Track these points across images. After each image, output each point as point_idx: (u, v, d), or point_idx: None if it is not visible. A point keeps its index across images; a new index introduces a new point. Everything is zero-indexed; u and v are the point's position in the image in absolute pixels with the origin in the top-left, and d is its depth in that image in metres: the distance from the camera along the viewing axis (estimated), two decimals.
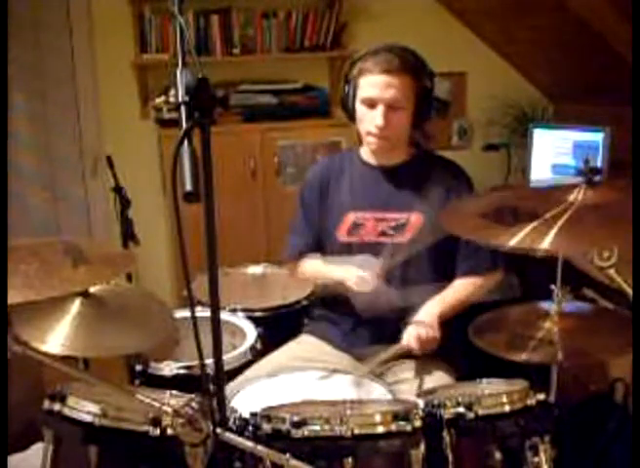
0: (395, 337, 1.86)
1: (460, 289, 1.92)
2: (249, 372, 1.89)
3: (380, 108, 1.84)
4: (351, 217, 1.96)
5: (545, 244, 1.30)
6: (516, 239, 1.33)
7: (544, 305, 1.71)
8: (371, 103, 1.86)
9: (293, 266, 2.12)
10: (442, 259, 1.94)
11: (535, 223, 1.35)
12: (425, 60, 1.88)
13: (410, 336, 1.81)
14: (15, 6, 3.26)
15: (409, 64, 1.83)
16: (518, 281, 1.76)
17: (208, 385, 1.21)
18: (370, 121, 1.87)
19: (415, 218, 1.91)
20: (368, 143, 1.94)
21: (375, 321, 1.90)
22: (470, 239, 1.86)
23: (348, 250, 1.95)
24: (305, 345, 2.02)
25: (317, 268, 2.03)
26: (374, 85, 1.84)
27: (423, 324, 1.82)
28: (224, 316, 2.14)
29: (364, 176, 2.00)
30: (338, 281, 1.90)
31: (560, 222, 1.35)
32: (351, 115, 1.94)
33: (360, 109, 1.89)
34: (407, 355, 1.85)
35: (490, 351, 1.59)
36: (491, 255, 1.92)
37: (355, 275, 1.84)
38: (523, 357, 1.56)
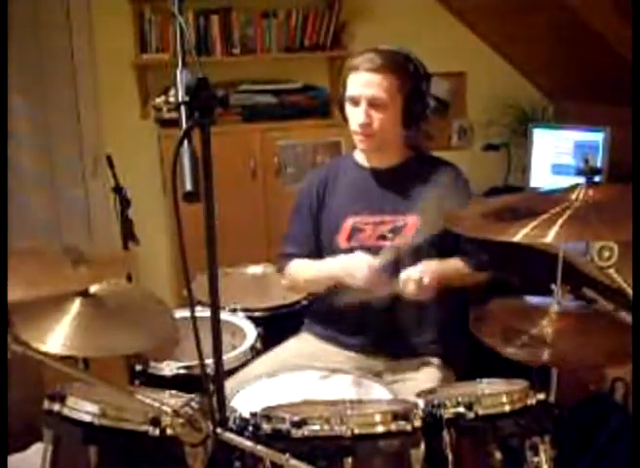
0: (395, 337, 1.86)
1: (460, 266, 1.89)
2: (248, 370, 1.89)
3: (362, 105, 1.85)
4: (350, 223, 1.95)
5: (549, 238, 1.32)
6: (521, 234, 1.34)
7: (544, 302, 1.71)
8: (354, 101, 1.88)
9: (288, 278, 2.08)
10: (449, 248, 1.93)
11: (538, 220, 1.36)
12: (420, 63, 1.89)
13: (408, 277, 1.76)
14: (15, 6, 3.26)
15: (393, 64, 1.83)
16: (518, 279, 1.75)
17: (208, 385, 1.21)
18: (354, 119, 1.89)
19: (412, 221, 1.91)
20: (357, 143, 1.94)
21: (373, 320, 1.90)
22: (467, 241, 1.88)
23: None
24: (305, 343, 2.03)
25: (307, 269, 1.99)
26: (357, 83, 1.86)
27: (423, 270, 1.77)
28: (224, 316, 2.14)
29: (359, 180, 2.00)
30: (327, 275, 1.88)
31: (562, 219, 1.36)
32: (345, 116, 1.94)
33: (347, 108, 1.91)
34: (404, 352, 1.85)
35: (486, 343, 1.59)
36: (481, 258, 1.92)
37: (345, 265, 1.81)
38: (516, 354, 1.56)
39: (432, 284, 1.76)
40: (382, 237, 1.92)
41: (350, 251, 1.93)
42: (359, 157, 2.02)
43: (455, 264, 1.90)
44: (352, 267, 1.78)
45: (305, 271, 2.01)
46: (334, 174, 2.04)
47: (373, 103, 1.84)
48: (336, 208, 1.99)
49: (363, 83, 1.84)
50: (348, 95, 1.88)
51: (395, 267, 1.80)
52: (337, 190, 2.01)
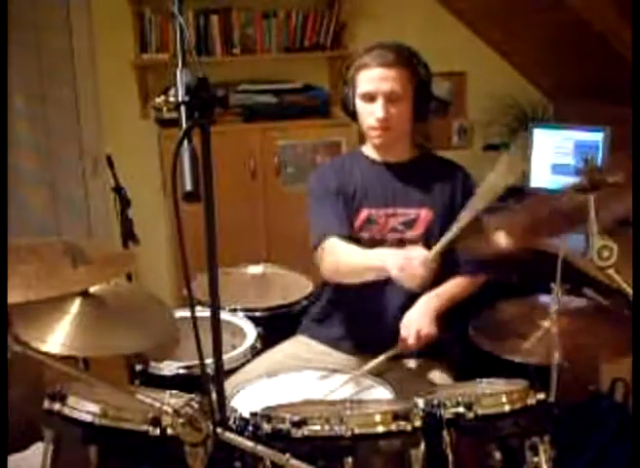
0: (393, 336, 1.86)
1: (458, 285, 1.92)
2: (243, 372, 1.88)
3: (380, 101, 1.85)
4: (364, 214, 1.95)
5: None
6: None
7: (543, 302, 1.71)
8: (370, 97, 1.87)
9: (329, 261, 1.91)
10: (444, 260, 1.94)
11: None
12: (420, 55, 1.90)
13: (407, 333, 1.80)
14: (15, 6, 3.26)
15: (404, 57, 1.85)
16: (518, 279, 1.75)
17: (208, 385, 1.21)
18: (370, 115, 1.89)
19: (424, 214, 1.92)
20: (371, 138, 1.95)
21: (372, 320, 1.90)
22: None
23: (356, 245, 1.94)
24: (301, 346, 2.02)
25: (354, 254, 1.85)
26: (371, 79, 1.86)
27: (420, 319, 1.82)
28: (224, 316, 2.14)
29: (373, 173, 2.00)
30: (378, 268, 1.75)
31: None
32: (352, 114, 1.95)
33: (360, 105, 1.91)
34: (404, 354, 1.86)
35: (490, 351, 1.59)
36: (482, 260, 1.93)
37: (401, 265, 1.68)
38: (522, 356, 1.56)
39: (430, 333, 1.80)
40: (394, 229, 1.93)
41: (358, 241, 1.91)
42: (369, 152, 2.02)
43: (452, 291, 1.91)
44: (408, 260, 1.68)
45: (352, 255, 1.86)
46: (348, 167, 2.03)
47: (390, 98, 1.85)
48: (350, 199, 1.98)
49: (378, 78, 1.84)
50: (363, 92, 1.88)
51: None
52: (352, 182, 1.99)
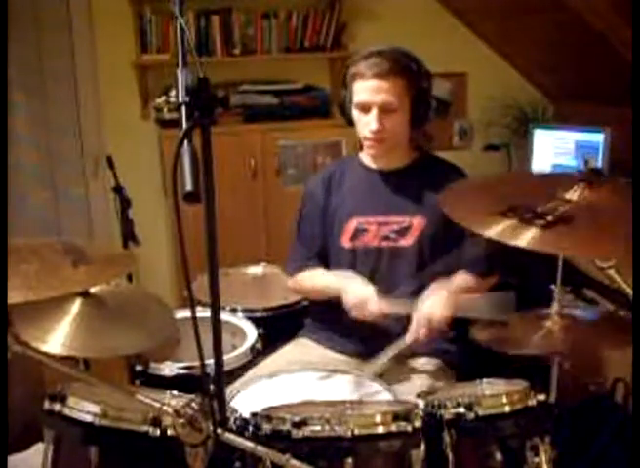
0: (394, 340, 1.86)
1: (465, 280, 1.88)
2: (247, 377, 1.88)
3: (374, 112, 1.83)
4: (354, 223, 1.95)
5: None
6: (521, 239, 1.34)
7: (545, 309, 1.71)
8: (364, 108, 1.86)
9: (294, 281, 2.07)
10: (445, 264, 1.94)
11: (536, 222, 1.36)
12: (421, 61, 1.87)
13: (419, 323, 1.77)
14: (15, 6, 3.26)
15: (400, 67, 1.82)
16: (515, 295, 1.75)
17: (208, 385, 1.21)
18: (365, 125, 1.87)
19: (417, 222, 1.91)
20: (366, 148, 1.94)
21: (373, 324, 1.90)
22: (473, 244, 1.88)
23: (352, 256, 1.94)
24: (303, 349, 2.02)
25: (316, 279, 1.99)
26: (365, 89, 1.83)
27: (433, 308, 1.78)
28: (225, 316, 2.14)
29: (365, 181, 1.99)
30: (335, 292, 1.85)
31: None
32: (350, 120, 1.94)
33: (355, 114, 1.90)
34: (409, 352, 1.85)
35: (491, 347, 1.59)
36: (489, 261, 1.92)
37: (356, 296, 1.80)
38: (524, 351, 1.56)
39: (441, 323, 1.77)
40: (386, 238, 1.92)
41: (353, 251, 1.94)
42: (365, 158, 2.02)
43: (460, 284, 1.87)
44: (362, 302, 1.79)
45: (314, 285, 2.01)
46: (339, 174, 2.03)
47: (384, 109, 1.83)
48: (340, 208, 1.98)
49: (372, 90, 1.82)
50: (358, 102, 1.86)
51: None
52: (341, 191, 2.00)
